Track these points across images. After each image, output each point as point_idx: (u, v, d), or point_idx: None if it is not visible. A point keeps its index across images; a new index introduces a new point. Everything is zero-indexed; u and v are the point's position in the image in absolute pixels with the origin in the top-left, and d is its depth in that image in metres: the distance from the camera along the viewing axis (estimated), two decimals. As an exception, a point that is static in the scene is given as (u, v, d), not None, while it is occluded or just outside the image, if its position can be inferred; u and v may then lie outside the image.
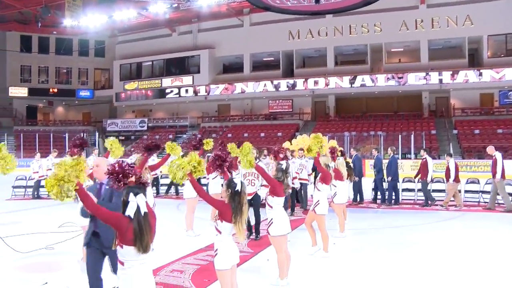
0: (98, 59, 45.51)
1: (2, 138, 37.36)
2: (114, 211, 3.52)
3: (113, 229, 3.49)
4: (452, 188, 13.20)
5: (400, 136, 27.47)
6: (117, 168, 3.57)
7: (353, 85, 34.19)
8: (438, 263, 7.34)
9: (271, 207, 6.17)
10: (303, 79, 35.80)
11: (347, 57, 37.95)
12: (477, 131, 29.39)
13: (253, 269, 7.00)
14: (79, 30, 40.66)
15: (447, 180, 13.36)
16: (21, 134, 36.83)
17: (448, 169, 13.30)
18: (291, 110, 37.90)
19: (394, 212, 12.62)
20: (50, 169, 15.82)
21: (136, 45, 43.28)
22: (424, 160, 13.66)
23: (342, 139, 27.05)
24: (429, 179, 13.48)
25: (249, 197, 7.02)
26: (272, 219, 6.13)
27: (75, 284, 6.24)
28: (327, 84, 34.98)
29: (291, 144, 17.80)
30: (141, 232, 3.40)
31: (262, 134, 34.65)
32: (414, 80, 32.75)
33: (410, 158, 25.62)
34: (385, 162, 14.19)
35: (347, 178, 9.74)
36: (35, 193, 16.02)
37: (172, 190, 16.57)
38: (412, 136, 27.07)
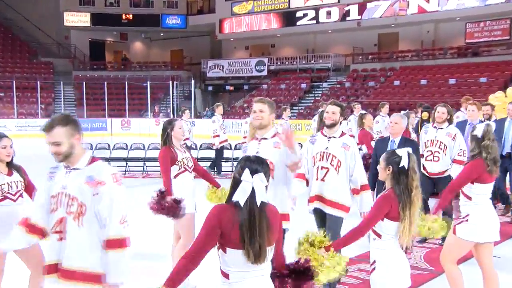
0: (193, -32, 47.20)
1: (57, 89, 40.24)
2: (200, 234, 3.57)
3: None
4: None
5: None
6: None
7: None
8: None
9: (469, 198, 6.02)
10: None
11: None
12: None
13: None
14: None
15: None
16: (83, 83, 39.42)
17: None
18: (507, 37, 35.78)
19: None
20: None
21: None
22: None
23: None
24: None
25: None
26: (468, 215, 5.99)
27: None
28: None
29: (505, 95, 16.84)
30: (252, 229, 3.42)
31: (452, 81, 33.83)
32: None
33: None
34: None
35: None
36: (216, 166, 17.03)
37: None
38: None
